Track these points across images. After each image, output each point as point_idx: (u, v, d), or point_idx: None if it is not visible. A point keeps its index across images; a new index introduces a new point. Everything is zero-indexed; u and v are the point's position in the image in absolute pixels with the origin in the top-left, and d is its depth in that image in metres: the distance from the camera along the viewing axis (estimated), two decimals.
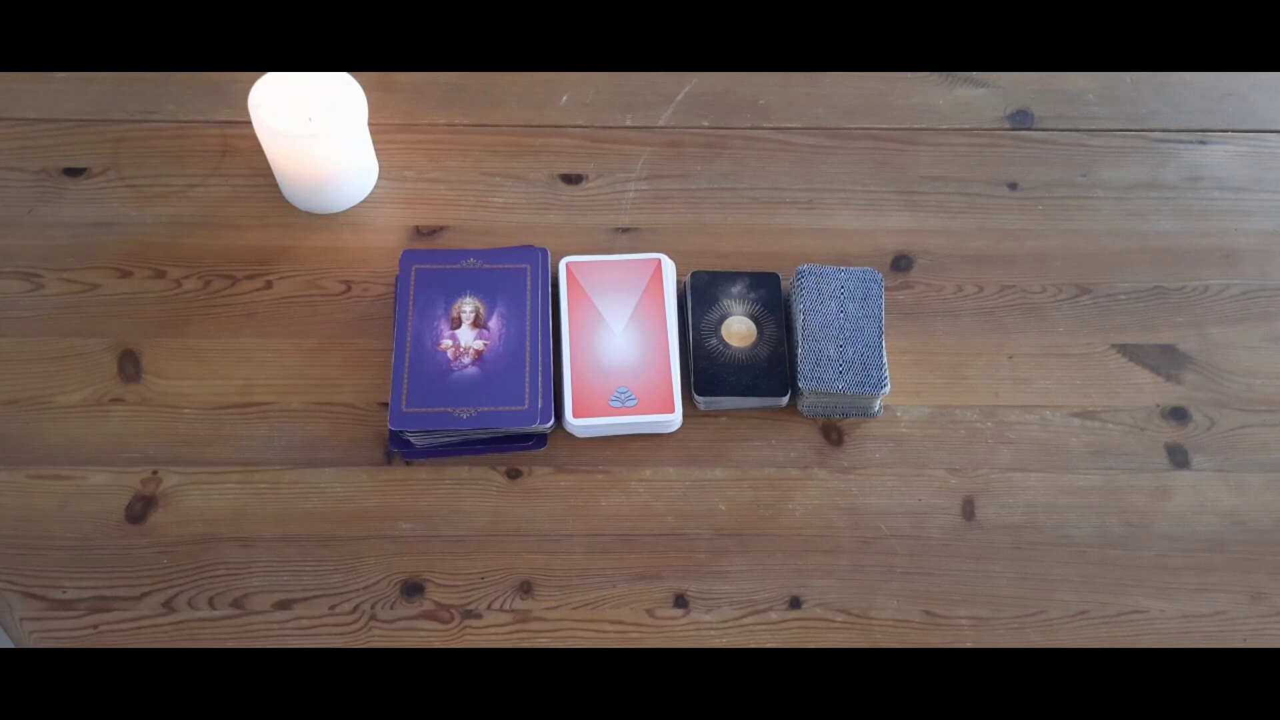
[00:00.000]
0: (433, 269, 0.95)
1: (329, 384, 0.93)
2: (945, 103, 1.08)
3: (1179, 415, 0.93)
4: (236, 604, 0.85)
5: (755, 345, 0.93)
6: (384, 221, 1.01)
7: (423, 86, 1.08)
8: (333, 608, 0.85)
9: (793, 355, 0.92)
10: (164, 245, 0.99)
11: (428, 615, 0.85)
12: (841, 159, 1.05)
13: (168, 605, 0.85)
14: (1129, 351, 0.96)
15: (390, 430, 0.90)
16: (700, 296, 0.95)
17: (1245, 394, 0.94)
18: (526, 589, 0.86)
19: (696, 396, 0.91)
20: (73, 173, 1.02)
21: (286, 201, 1.01)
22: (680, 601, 0.86)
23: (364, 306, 0.96)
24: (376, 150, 1.02)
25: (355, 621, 0.85)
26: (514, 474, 0.90)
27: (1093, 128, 1.07)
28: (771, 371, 0.92)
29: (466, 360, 0.91)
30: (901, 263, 1.00)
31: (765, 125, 1.07)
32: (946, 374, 0.95)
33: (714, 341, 0.93)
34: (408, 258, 0.95)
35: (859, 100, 1.08)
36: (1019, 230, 1.01)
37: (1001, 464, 0.91)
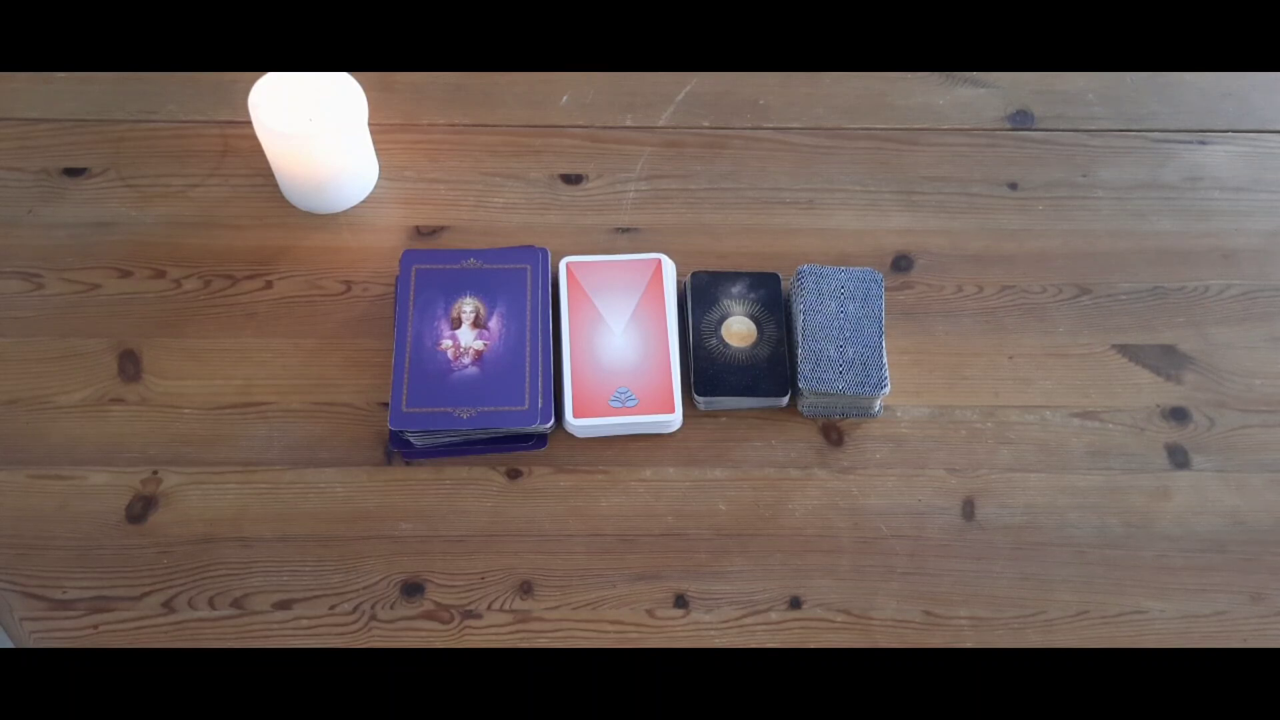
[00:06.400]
0: (433, 269, 0.95)
1: (329, 384, 0.93)
2: (945, 103, 1.08)
3: (1179, 415, 0.93)
4: (236, 604, 0.85)
5: (755, 345, 0.93)
6: (384, 221, 1.01)
7: (423, 86, 1.08)
8: (333, 608, 0.85)
9: (793, 355, 0.92)
10: (164, 245, 0.99)
11: (428, 615, 0.85)
12: (841, 159, 1.05)
13: (168, 605, 0.85)
14: (1129, 351, 0.96)
15: (390, 430, 0.90)
16: (700, 296, 0.95)
17: (1245, 394, 0.94)
18: (526, 589, 0.86)
19: (696, 396, 0.91)
20: (73, 173, 1.02)
21: (286, 201, 1.01)
22: (680, 601, 0.86)
23: (364, 306, 0.96)
24: (376, 150, 1.02)
25: (355, 621, 0.85)
26: (514, 474, 0.90)
27: (1093, 128, 1.07)
28: (771, 371, 0.92)
29: (466, 360, 0.91)
30: (901, 263, 1.00)
31: (765, 125, 1.07)
32: (946, 374, 0.95)
33: (714, 341, 0.93)
34: (408, 258, 0.95)
35: (859, 100, 1.08)
36: (1019, 230, 1.01)
37: (1001, 464, 0.91)
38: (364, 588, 0.86)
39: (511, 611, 0.85)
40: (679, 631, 0.85)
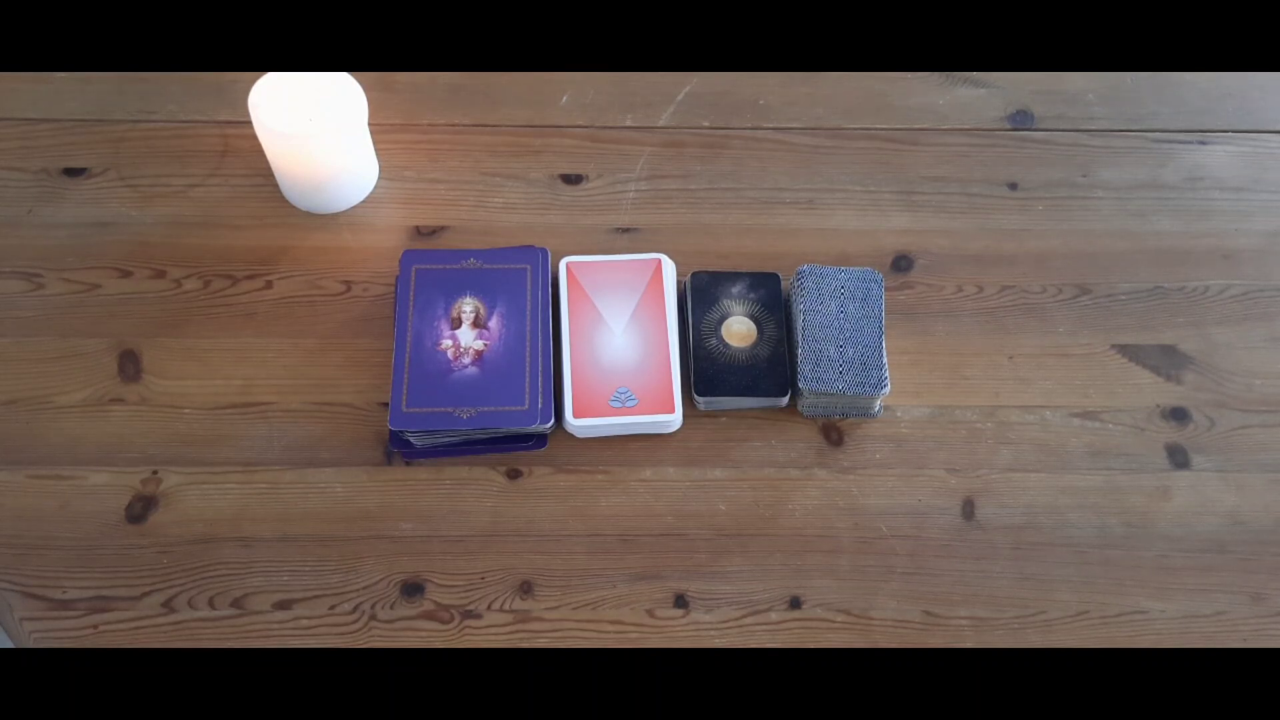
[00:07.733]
0: (433, 269, 0.95)
1: (329, 384, 0.93)
2: (945, 103, 1.08)
3: (1179, 415, 0.93)
4: (236, 604, 0.85)
5: (755, 345, 0.93)
6: (384, 221, 1.01)
7: (423, 86, 1.08)
8: (333, 608, 0.85)
9: (793, 355, 0.92)
10: (164, 245, 0.99)
11: (428, 615, 0.85)
12: (841, 159, 1.05)
13: (168, 605, 0.85)
14: (1129, 351, 0.96)
15: (390, 430, 0.90)
16: (700, 296, 0.95)
17: (1245, 394, 0.94)
18: (526, 589, 0.86)
19: (696, 396, 0.91)
20: (73, 173, 1.02)
21: (286, 201, 1.01)
22: (680, 601, 0.86)
23: (364, 306, 0.96)
24: (376, 150, 1.02)
25: (355, 621, 0.85)
26: (514, 474, 0.90)
27: (1093, 128, 1.07)
28: (771, 371, 0.92)
29: (466, 360, 0.91)
30: (901, 263, 1.00)
31: (765, 125, 1.07)
32: (946, 374, 0.95)
33: (714, 341, 0.93)
34: (408, 258, 0.95)
35: (859, 100, 1.08)
36: (1019, 230, 1.01)
37: (1001, 464, 0.91)
38: (364, 588, 0.86)
39: (511, 611, 0.85)
40: (679, 631, 0.85)
